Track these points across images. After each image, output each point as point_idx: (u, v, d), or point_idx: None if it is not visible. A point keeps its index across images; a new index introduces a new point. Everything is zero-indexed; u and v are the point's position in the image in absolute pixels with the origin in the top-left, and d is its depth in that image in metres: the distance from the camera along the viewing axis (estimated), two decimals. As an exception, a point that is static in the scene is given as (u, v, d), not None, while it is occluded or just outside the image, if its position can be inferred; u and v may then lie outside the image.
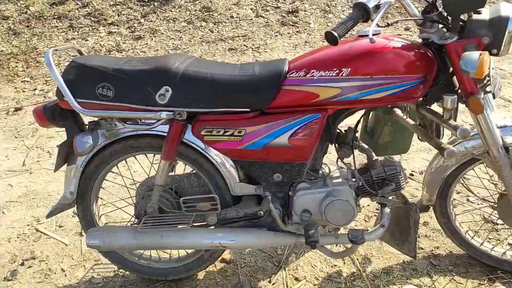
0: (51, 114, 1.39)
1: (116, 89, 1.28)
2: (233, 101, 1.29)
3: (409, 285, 1.66)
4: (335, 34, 1.10)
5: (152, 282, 1.70)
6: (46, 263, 1.81)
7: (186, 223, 1.44)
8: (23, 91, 3.35)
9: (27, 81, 3.48)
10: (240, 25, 4.17)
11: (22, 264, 1.80)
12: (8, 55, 3.77)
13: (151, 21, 4.31)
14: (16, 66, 3.66)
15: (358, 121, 1.51)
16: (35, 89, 3.36)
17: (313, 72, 1.28)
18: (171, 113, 1.29)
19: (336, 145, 1.49)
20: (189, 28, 4.18)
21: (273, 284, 1.69)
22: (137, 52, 3.85)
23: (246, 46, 3.85)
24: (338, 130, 1.50)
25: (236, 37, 4.01)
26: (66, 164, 1.50)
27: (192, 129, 1.34)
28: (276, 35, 4.00)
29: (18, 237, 1.96)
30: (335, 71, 1.27)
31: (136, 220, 1.56)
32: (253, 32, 4.07)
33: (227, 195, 1.48)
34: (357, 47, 1.27)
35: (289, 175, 1.40)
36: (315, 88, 1.28)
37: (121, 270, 1.76)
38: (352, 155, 1.50)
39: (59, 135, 2.83)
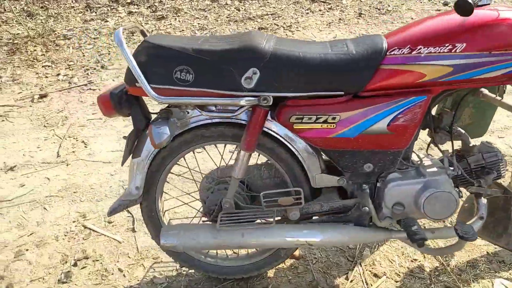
0: (119, 101, 1.25)
1: (197, 73, 1.13)
2: (327, 83, 1.15)
3: (499, 279, 1.54)
4: (471, 2, 0.95)
5: (220, 281, 1.58)
6: (101, 263, 1.69)
7: (268, 219, 1.31)
8: (46, 77, 3.19)
9: (49, 66, 3.31)
10: (268, 2, 3.96)
11: (75, 264, 1.69)
12: (24, 38, 3.59)
13: (173, 0, 4.10)
14: (35, 50, 3.49)
15: (458, 103, 1.36)
16: (58, 74, 3.20)
17: (419, 48, 1.13)
18: (255, 98, 1.15)
19: (432, 130, 1.35)
20: (214, 7, 3.98)
21: (351, 281, 1.57)
22: (162, 33, 3.66)
23: (277, 25, 3.65)
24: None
25: (265, 16, 3.81)
26: (130, 156, 1.37)
27: (277, 116, 1.20)
28: (307, 13, 3.79)
29: (65, 235, 1.84)
30: (447, 46, 1.12)
31: (205, 216, 1.44)
32: (282, 10, 3.87)
33: (305, 187, 1.35)
34: (474, 19, 1.12)
35: (381, 164, 1.26)
36: (421, 67, 1.13)
37: (184, 268, 1.65)
38: (449, 140, 1.36)
39: (91, 123, 2.69)
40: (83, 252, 1.75)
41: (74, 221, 1.92)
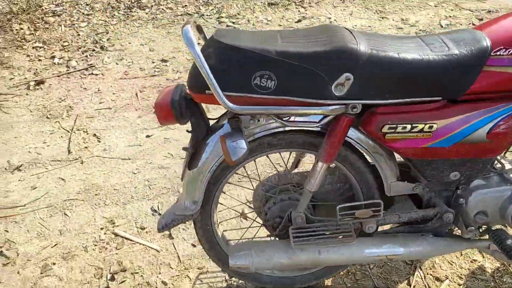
0: (180, 109, 1.10)
1: (280, 79, 0.99)
2: (426, 88, 1.04)
3: None
4: None
5: (276, 292, 1.49)
6: (142, 276, 1.57)
7: (348, 234, 1.21)
8: (39, 60, 2.90)
9: (40, 47, 3.01)
10: (276, -26, 3.71)
11: (112, 278, 1.56)
12: (7, 14, 3.24)
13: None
14: (21, 29, 3.16)
15: None
16: (52, 57, 2.92)
17: None
18: (343, 106, 1.03)
19: None
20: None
21: (414, 286, 1.51)
22: (162, 9, 3.39)
23: (288, 1, 3.44)
24: None
25: (274, -11, 3.58)
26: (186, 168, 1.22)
27: (365, 125, 1.09)
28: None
29: (95, 245, 1.69)
30: None
31: (267, 229, 1.33)
32: (291, -18, 3.64)
33: (376, 196, 1.26)
34: None
35: (469, 172, 1.18)
36: None
37: (233, 278, 1.54)
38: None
39: (100, 114, 2.47)
40: (119, 264, 1.61)
41: (102, 228, 1.77)
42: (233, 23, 3.21)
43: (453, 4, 3.31)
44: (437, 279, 1.54)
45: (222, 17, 3.27)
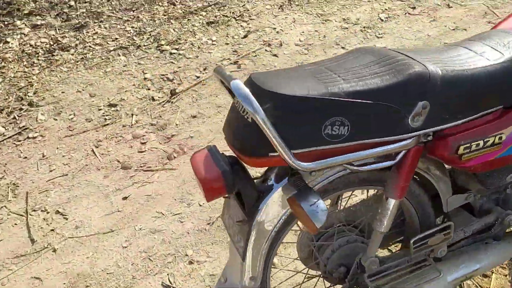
0: (232, 180, 0.94)
1: (353, 122, 0.90)
2: (492, 100, 1.03)
3: None
4: None
5: None
6: None
7: (427, 265, 1.16)
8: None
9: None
10: (205, -9, 3.56)
11: None
12: None
13: (87, 2, 3.40)
14: None
15: None
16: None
17: None
18: (417, 137, 0.97)
19: None
20: (143, 4, 3.42)
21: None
22: (90, 47, 3.02)
23: (227, 16, 3.31)
24: None
25: (208, 7, 3.41)
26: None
27: (435, 150, 1.04)
28: (252, -3, 3.52)
29: None
30: None
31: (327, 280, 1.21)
32: (223, -3, 3.51)
33: (431, 215, 1.22)
34: None
35: None
36: None
37: None
38: None
39: (55, 184, 2.09)
40: None
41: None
42: (177, 49, 2.99)
43: (384, -3, 3.48)
44: (485, 275, 1.55)
45: (162, 45, 3.03)
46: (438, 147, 1.02)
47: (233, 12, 3.33)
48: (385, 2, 3.42)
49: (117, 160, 2.23)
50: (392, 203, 1.05)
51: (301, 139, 0.87)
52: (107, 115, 2.51)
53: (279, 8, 3.39)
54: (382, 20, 3.21)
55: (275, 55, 2.93)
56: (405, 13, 3.28)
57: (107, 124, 2.44)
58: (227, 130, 0.97)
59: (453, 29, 3.07)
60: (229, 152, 0.96)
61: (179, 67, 2.86)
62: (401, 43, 2.97)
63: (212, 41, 3.07)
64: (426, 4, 3.37)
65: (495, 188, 1.22)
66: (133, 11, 3.35)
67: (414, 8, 3.33)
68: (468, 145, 1.02)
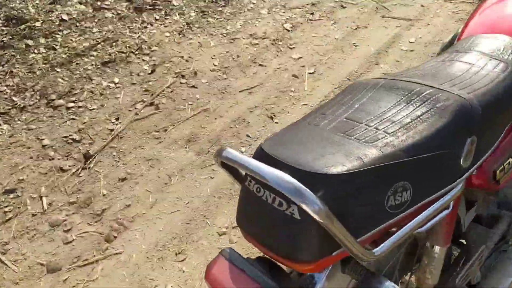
0: None
1: (415, 184, 0.75)
2: (511, 113, 0.98)
3: None
4: None
5: None
6: None
7: None
8: None
9: None
10: (86, 28, 3.09)
11: None
12: None
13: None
14: None
15: None
16: None
17: None
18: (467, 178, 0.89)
19: None
20: (14, 55, 2.81)
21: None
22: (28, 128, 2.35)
23: (123, 52, 2.91)
24: None
25: (96, 46, 2.96)
26: None
27: (475, 182, 0.96)
28: (145, 26, 3.19)
29: None
30: None
31: None
32: (112, 32, 3.10)
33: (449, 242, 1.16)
34: None
35: None
36: None
37: None
38: None
39: None
40: None
41: None
42: (74, 102, 2.51)
43: (282, 6, 3.47)
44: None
45: (53, 99, 2.52)
46: (477, 178, 0.93)
47: (129, 46, 2.96)
48: (284, 12, 3.41)
49: (39, 263, 1.73)
50: (439, 250, 0.96)
51: (365, 223, 0.69)
52: (6, 206, 1.95)
53: (179, 34, 3.13)
54: (288, 30, 3.19)
55: (193, 86, 2.66)
56: (307, 20, 3.31)
57: (10, 219, 1.90)
58: (250, 227, 0.73)
59: (355, 29, 3.19)
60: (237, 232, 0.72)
61: (84, 122, 2.40)
62: (314, 50, 2.97)
63: (115, 83, 2.66)
64: (322, 8, 3.46)
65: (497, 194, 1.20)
66: (2, 65, 2.73)
67: (313, 13, 3.39)
68: (502, 166, 0.96)
